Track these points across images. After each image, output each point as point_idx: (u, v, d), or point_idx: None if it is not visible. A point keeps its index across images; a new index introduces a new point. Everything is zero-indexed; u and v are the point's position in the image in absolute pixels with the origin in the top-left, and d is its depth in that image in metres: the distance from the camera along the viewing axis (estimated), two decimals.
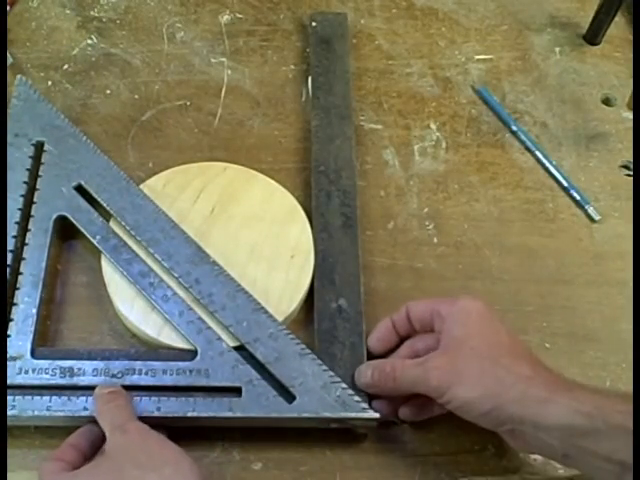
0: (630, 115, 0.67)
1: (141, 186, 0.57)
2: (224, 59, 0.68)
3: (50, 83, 0.65)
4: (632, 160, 0.63)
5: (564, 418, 0.40)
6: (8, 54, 0.65)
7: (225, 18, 0.71)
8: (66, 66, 0.67)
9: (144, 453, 0.42)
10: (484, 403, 0.43)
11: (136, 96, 0.65)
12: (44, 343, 0.52)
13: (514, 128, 0.65)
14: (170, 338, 0.51)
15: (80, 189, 0.56)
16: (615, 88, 0.69)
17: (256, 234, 0.56)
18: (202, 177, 0.58)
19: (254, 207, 0.57)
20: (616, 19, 0.70)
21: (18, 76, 0.61)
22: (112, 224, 0.54)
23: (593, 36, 0.71)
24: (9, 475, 0.47)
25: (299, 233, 0.56)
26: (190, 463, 0.42)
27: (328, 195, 0.58)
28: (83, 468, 0.43)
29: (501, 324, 0.47)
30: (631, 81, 0.69)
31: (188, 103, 0.65)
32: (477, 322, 0.46)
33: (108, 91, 0.66)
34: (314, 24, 0.69)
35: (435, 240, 0.59)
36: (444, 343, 0.46)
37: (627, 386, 0.53)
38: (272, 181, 0.58)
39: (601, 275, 0.58)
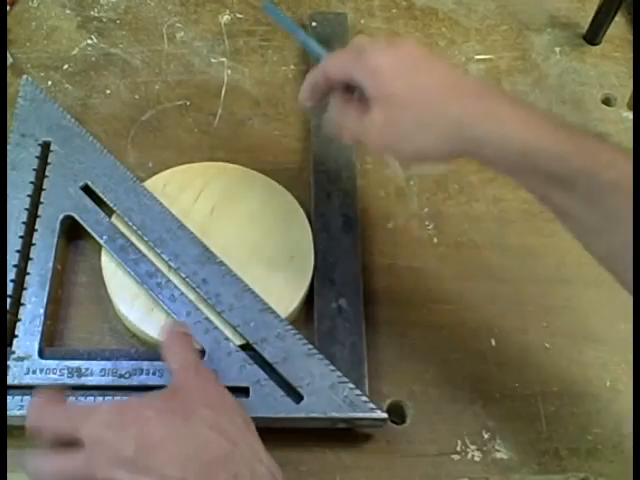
0: (630, 115, 0.67)
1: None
2: (224, 59, 0.68)
3: (50, 83, 0.65)
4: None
5: (510, 157, 0.41)
6: (8, 54, 0.65)
7: (225, 18, 0.71)
8: (66, 66, 0.67)
9: (218, 397, 0.41)
10: (434, 150, 0.43)
11: (136, 96, 0.65)
12: (52, 342, 0.52)
13: (301, 37, 0.56)
14: None
15: (87, 189, 0.56)
16: (615, 88, 0.69)
17: (256, 234, 0.56)
18: (202, 177, 0.58)
19: (254, 207, 0.57)
20: (616, 19, 0.70)
21: (24, 76, 0.61)
22: (114, 220, 0.54)
23: (593, 36, 0.71)
24: (9, 475, 0.47)
25: (299, 233, 0.56)
26: (251, 423, 0.42)
27: (328, 195, 0.58)
28: (154, 394, 0.41)
29: (437, 63, 0.45)
30: (631, 81, 0.69)
31: (188, 103, 0.65)
32: (402, 70, 0.44)
33: (108, 91, 0.66)
34: (314, 24, 0.69)
35: (435, 240, 0.59)
36: (375, 102, 0.44)
37: (627, 386, 0.53)
38: (272, 181, 0.58)
39: (601, 275, 0.57)
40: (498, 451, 0.50)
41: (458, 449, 0.50)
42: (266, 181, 0.58)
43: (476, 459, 0.50)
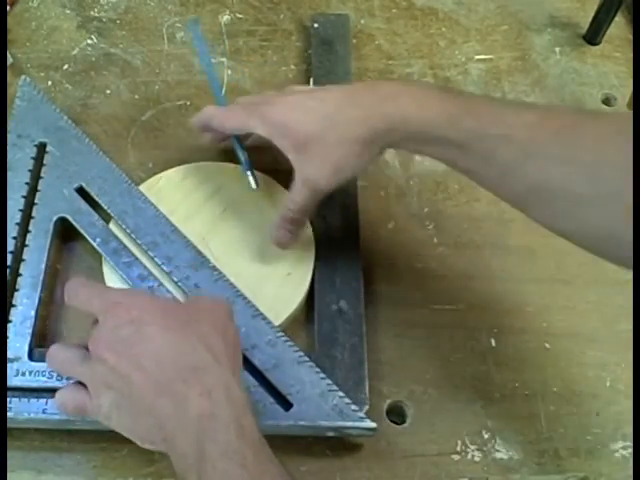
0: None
1: (159, 176, 0.58)
2: (224, 59, 0.68)
3: (50, 83, 0.65)
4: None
5: (412, 134, 0.45)
6: (8, 54, 0.65)
7: (225, 18, 0.71)
8: (66, 66, 0.67)
9: (222, 323, 0.43)
10: (358, 158, 0.48)
11: (136, 96, 0.65)
12: (43, 343, 0.52)
13: (208, 72, 0.59)
14: None
15: (81, 191, 0.56)
16: (615, 88, 0.69)
17: (260, 242, 0.55)
18: (222, 176, 0.58)
19: (266, 215, 0.56)
20: (616, 19, 0.70)
21: (22, 76, 0.61)
22: (112, 226, 0.54)
23: (593, 36, 0.71)
24: (9, 475, 0.47)
25: (301, 249, 0.55)
26: (240, 356, 0.43)
27: (329, 196, 0.58)
28: (168, 298, 0.47)
29: (325, 89, 0.51)
30: (631, 81, 0.69)
31: (188, 103, 0.65)
32: (301, 112, 0.48)
33: (108, 91, 0.66)
34: (316, 25, 0.69)
35: (435, 240, 0.59)
36: (289, 152, 0.49)
37: (627, 386, 0.53)
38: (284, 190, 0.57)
39: (601, 275, 0.58)
40: (498, 451, 0.50)
41: (458, 449, 0.50)
42: (284, 192, 0.57)
43: (476, 459, 0.50)
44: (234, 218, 0.56)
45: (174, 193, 0.57)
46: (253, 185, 0.55)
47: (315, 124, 0.47)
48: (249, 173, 0.55)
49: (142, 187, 0.57)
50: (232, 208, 0.56)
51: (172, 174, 0.58)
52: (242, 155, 0.55)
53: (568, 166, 0.40)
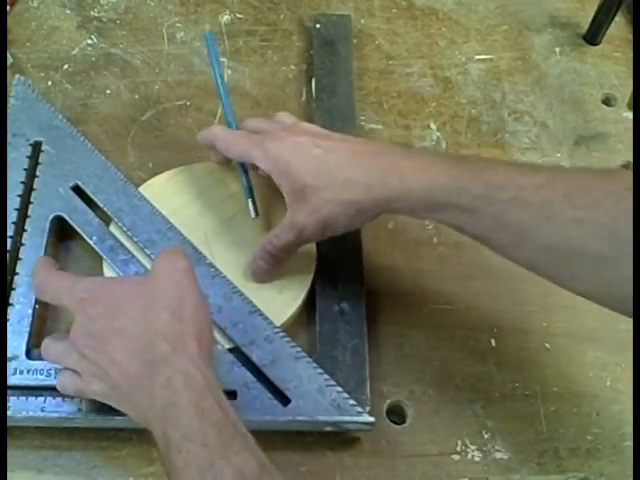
0: (630, 115, 0.67)
1: (183, 167, 0.58)
2: (224, 59, 0.68)
3: (50, 83, 0.65)
4: (632, 160, 0.63)
5: (416, 203, 0.45)
6: (8, 54, 0.65)
7: (225, 18, 0.71)
8: (66, 66, 0.67)
9: (178, 301, 0.42)
10: (349, 222, 0.48)
11: (136, 96, 0.65)
12: (41, 342, 0.51)
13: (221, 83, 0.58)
14: None
15: (77, 189, 0.56)
16: (615, 88, 0.69)
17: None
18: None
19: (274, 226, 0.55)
20: (616, 19, 0.70)
21: (16, 75, 0.61)
22: (112, 228, 0.54)
23: (593, 36, 0.71)
24: (9, 475, 0.47)
25: (301, 268, 0.54)
26: (207, 333, 0.43)
27: None
28: (129, 278, 0.49)
29: (332, 136, 0.50)
30: (631, 81, 0.69)
31: (188, 103, 0.65)
32: (306, 158, 0.48)
33: (108, 91, 0.66)
34: (318, 26, 0.68)
35: (435, 240, 0.59)
36: (286, 193, 0.49)
37: (627, 386, 0.53)
38: None
39: None
40: (498, 451, 0.50)
41: (458, 449, 0.50)
42: None
43: (476, 459, 0.50)
44: (241, 225, 0.55)
45: (193, 187, 0.57)
46: (252, 214, 0.54)
47: (314, 174, 0.47)
48: (249, 201, 0.54)
49: (163, 176, 0.57)
50: (241, 215, 0.56)
51: (198, 168, 0.58)
52: (244, 181, 0.55)
53: (585, 227, 0.39)
